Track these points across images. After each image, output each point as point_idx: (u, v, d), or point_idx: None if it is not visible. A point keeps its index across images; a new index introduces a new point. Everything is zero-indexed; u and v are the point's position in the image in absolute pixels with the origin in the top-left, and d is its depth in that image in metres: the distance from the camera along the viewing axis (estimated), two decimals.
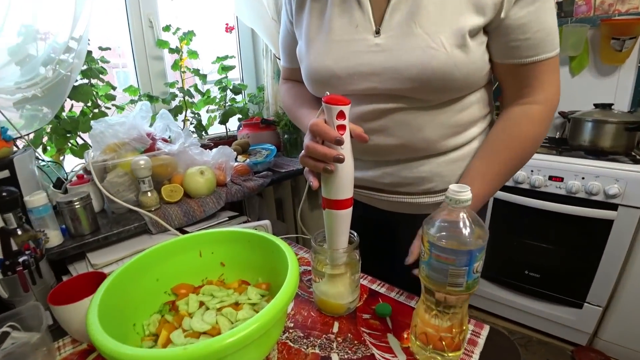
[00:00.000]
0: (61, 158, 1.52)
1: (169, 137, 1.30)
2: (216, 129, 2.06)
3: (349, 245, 0.64)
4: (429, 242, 0.48)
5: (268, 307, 0.47)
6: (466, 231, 0.47)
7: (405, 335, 0.62)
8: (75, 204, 0.95)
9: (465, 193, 0.46)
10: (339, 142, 0.55)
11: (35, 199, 0.88)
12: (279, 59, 1.65)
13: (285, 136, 1.72)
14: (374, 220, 0.87)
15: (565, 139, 1.87)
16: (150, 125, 1.31)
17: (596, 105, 1.75)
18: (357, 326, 0.65)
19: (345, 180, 0.58)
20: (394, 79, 0.64)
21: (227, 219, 1.13)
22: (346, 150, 0.57)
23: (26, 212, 0.92)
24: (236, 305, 0.65)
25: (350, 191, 0.60)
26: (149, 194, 1.07)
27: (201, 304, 0.66)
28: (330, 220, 0.62)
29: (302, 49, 0.76)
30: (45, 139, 1.54)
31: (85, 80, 1.50)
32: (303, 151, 0.60)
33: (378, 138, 0.71)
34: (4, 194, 0.91)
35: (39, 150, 1.55)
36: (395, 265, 0.84)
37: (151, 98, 1.76)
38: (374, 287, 0.76)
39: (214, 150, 1.27)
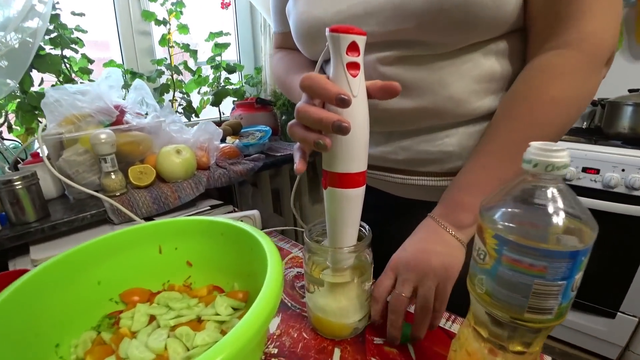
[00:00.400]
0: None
1: (146, 114, 1.11)
2: (209, 114, 1.87)
3: (359, 242, 0.45)
4: (496, 236, 0.29)
5: (236, 332, 0.30)
6: (561, 220, 0.27)
7: None
8: (16, 184, 0.76)
9: (561, 155, 0.27)
10: (343, 102, 0.36)
11: None
12: None
13: (283, 117, 1.53)
14: (384, 209, 0.69)
15: (596, 128, 1.68)
16: (124, 99, 1.12)
17: (631, 91, 1.56)
18: (365, 355, 0.46)
19: (357, 144, 0.39)
20: (395, 16, 0.48)
21: (209, 208, 0.94)
22: (359, 102, 0.38)
23: None
24: (198, 322, 0.48)
25: (363, 162, 0.41)
26: (113, 175, 0.88)
27: (152, 318, 0.49)
28: (333, 205, 0.43)
29: (289, 3, 0.63)
30: (12, 118, 1.37)
31: (58, 52, 1.33)
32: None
33: (390, 100, 0.53)
34: None
35: (4, 129, 1.38)
36: None
37: (134, 75, 1.58)
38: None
39: (195, 127, 1.08)
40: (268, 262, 0.40)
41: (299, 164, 0.42)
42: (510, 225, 0.28)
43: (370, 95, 0.40)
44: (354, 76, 0.37)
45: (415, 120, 0.55)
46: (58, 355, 0.43)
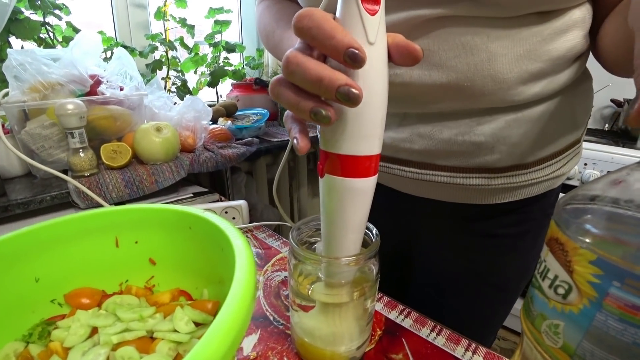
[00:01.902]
0: None
1: (122, 89, 0.99)
2: (206, 97, 1.75)
3: (362, 251, 0.33)
4: (598, 262, 0.18)
5: None
6: None
7: None
8: None
9: None
10: (355, 60, 0.24)
11: None
12: None
13: None
14: (392, 209, 0.58)
15: (620, 131, 1.56)
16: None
17: None
18: None
19: (370, 116, 0.27)
20: None
21: (192, 195, 0.83)
22: (377, 56, 0.26)
23: None
24: (151, 339, 0.38)
25: (377, 141, 0.29)
26: (81, 153, 0.76)
27: (94, 330, 0.38)
28: (332, 200, 0.31)
29: None
30: None
31: (39, 18, 1.22)
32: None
33: (413, 72, 0.41)
34: None
35: None
36: (430, 269, 0.58)
37: (125, 48, 1.46)
38: (393, 316, 0.46)
39: (180, 103, 0.96)
40: (236, 266, 0.30)
41: (301, 142, 0.29)
42: (632, 244, 0.17)
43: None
44: (372, 13, 0.25)
45: (441, 100, 0.43)
46: None
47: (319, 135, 0.30)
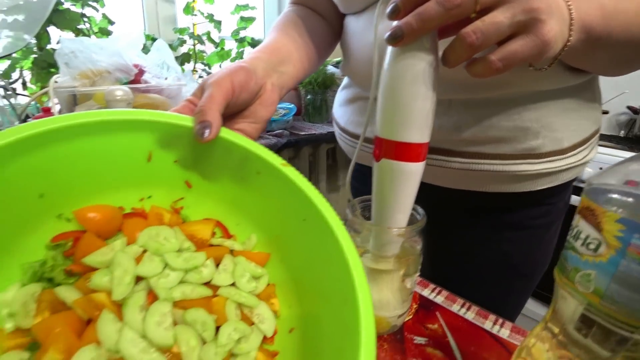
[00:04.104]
0: None
1: (166, 79, 1.04)
2: None
3: (410, 225, 0.38)
4: (623, 220, 0.22)
5: None
6: None
7: None
8: None
9: None
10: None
11: None
12: None
13: (308, 97, 1.45)
14: (430, 201, 0.60)
15: (635, 138, 1.58)
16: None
17: None
18: (405, 356, 0.39)
19: (425, 104, 0.32)
20: None
21: None
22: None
23: None
24: (209, 295, 0.34)
25: (428, 130, 0.34)
26: None
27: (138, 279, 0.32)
28: (385, 181, 0.36)
29: None
30: (28, 76, 1.33)
31: (78, 9, 1.28)
32: None
33: None
34: None
35: (18, 85, 1.33)
36: (461, 261, 0.60)
37: (155, 41, 1.52)
38: (425, 293, 0.50)
39: None
40: (349, 263, 0.29)
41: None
42: None
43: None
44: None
45: (491, 87, 0.44)
46: None
47: (377, 124, 0.35)
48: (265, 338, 0.34)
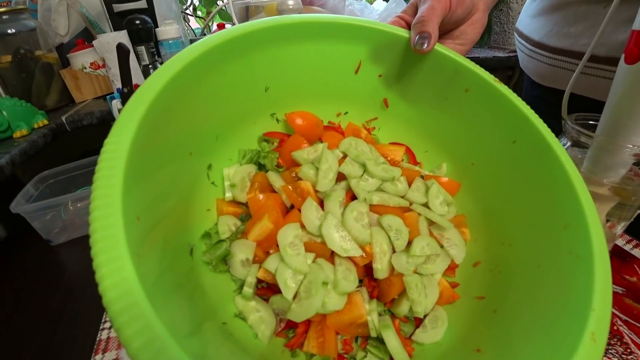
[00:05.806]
0: None
1: None
2: None
3: None
4: None
5: None
6: None
7: None
8: None
9: None
10: None
11: (167, 30, 0.72)
12: None
13: None
14: None
15: None
16: None
17: None
18: None
19: None
20: None
21: None
22: None
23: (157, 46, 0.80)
24: (401, 210, 0.35)
25: None
26: None
27: (340, 176, 0.35)
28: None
29: None
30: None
31: None
32: None
33: None
34: (137, 22, 0.79)
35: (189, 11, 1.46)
36: None
37: None
38: (620, 243, 0.44)
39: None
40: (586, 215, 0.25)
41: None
42: None
43: None
44: None
45: None
46: (210, 180, 0.34)
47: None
48: (446, 269, 0.35)
